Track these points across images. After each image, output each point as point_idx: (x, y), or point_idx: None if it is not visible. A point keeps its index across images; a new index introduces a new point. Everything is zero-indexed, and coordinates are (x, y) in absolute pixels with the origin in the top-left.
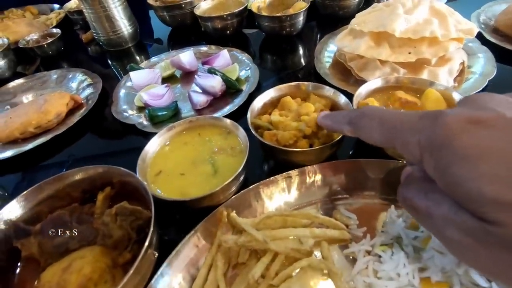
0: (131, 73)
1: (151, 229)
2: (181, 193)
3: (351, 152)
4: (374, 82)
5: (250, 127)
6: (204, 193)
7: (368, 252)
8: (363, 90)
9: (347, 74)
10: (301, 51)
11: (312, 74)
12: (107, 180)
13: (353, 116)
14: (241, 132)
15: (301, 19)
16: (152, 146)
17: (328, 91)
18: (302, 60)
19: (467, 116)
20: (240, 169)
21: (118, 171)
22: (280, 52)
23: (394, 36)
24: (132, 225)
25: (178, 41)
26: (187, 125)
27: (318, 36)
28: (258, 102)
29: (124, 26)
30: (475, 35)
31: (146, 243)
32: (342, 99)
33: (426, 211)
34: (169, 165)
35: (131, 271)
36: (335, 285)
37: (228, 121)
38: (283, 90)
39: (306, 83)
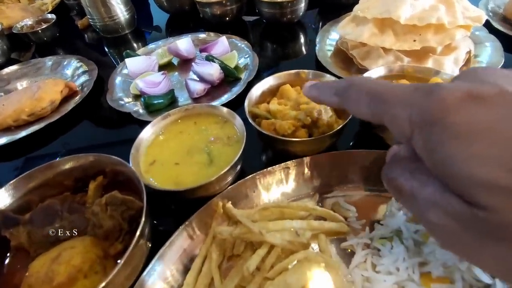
0: (127, 60)
1: (143, 219)
2: (175, 183)
3: (351, 143)
4: (377, 70)
5: (248, 116)
6: (199, 183)
7: (367, 245)
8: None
9: (349, 63)
10: (302, 39)
11: (313, 63)
12: (100, 169)
13: (341, 86)
14: (238, 121)
15: (302, 5)
16: (146, 135)
17: (329, 79)
18: (303, 48)
19: (466, 90)
20: (236, 159)
21: (109, 160)
22: (280, 40)
23: (398, 23)
24: (123, 215)
25: (176, 28)
26: (182, 114)
27: (320, 23)
28: (257, 90)
29: (121, 11)
30: (483, 22)
31: (137, 233)
32: None
33: (410, 191)
34: (164, 154)
35: (122, 262)
36: (333, 279)
37: (224, 109)
38: (282, 78)
39: (306, 71)
